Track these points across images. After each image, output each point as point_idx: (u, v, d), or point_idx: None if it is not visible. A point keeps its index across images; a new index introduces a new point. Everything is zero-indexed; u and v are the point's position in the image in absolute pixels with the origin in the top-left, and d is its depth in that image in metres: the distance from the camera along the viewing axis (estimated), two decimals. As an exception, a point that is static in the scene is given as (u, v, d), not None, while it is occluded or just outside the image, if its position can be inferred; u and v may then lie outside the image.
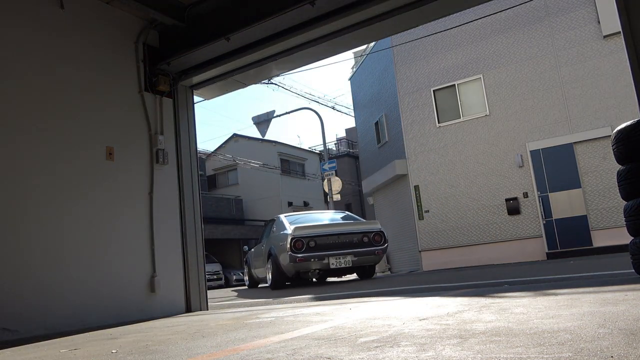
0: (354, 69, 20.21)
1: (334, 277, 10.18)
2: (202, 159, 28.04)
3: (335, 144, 35.23)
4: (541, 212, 12.48)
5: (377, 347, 1.66)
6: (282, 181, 28.45)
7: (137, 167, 5.01)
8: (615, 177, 3.10)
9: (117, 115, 4.92)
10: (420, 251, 14.15)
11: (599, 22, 12.17)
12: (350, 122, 49.46)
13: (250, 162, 27.39)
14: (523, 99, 13.05)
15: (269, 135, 22.73)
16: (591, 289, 2.93)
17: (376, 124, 17.47)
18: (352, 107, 21.71)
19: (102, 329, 3.86)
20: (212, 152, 30.25)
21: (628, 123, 2.96)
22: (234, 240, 25.99)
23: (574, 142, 12.27)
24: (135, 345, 2.48)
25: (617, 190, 3.59)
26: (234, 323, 3.12)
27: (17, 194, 3.98)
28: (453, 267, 12.89)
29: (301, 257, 7.97)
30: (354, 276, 10.03)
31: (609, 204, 11.73)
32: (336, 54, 5.49)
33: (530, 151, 12.77)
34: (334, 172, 16.41)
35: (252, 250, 11.26)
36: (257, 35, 4.96)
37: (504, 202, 12.99)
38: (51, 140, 4.30)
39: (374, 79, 17.59)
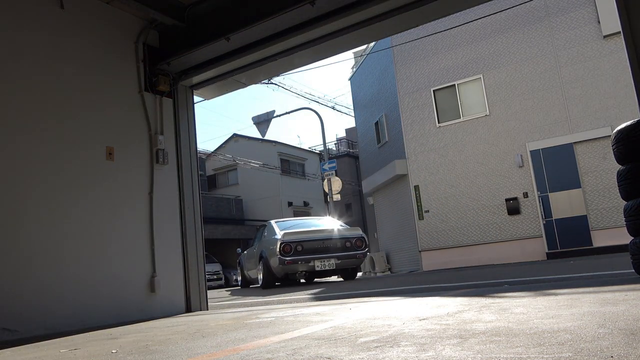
0: (354, 69, 20.20)
1: (320, 278, 11.11)
2: (202, 159, 28.03)
3: (335, 144, 35.23)
4: (541, 212, 12.48)
5: (377, 347, 1.66)
6: (282, 181, 28.43)
7: (137, 167, 5.01)
8: (615, 177, 3.10)
9: (117, 115, 4.92)
10: (420, 251, 14.15)
11: (599, 22, 12.17)
12: (350, 122, 49.47)
13: (250, 162, 27.37)
14: (523, 99, 13.05)
15: (269, 135, 22.76)
16: (591, 289, 2.93)
17: (376, 124, 17.47)
18: (352, 107, 21.71)
19: (102, 329, 3.86)
20: (212, 152, 30.24)
21: (628, 123, 2.96)
22: (234, 240, 25.97)
23: (574, 142, 12.27)
24: (136, 345, 2.48)
25: (617, 190, 3.58)
26: (234, 323, 3.12)
27: (17, 194, 3.98)
28: (453, 267, 12.89)
29: (289, 259, 8.82)
30: (336, 277, 11.06)
31: (609, 204, 11.73)
32: (336, 54, 5.49)
33: (530, 151, 12.77)
34: (334, 172, 16.41)
35: (245, 252, 12.03)
36: (257, 35, 4.96)
37: (504, 202, 12.98)
38: (51, 140, 4.29)
39: (374, 79, 17.58)
